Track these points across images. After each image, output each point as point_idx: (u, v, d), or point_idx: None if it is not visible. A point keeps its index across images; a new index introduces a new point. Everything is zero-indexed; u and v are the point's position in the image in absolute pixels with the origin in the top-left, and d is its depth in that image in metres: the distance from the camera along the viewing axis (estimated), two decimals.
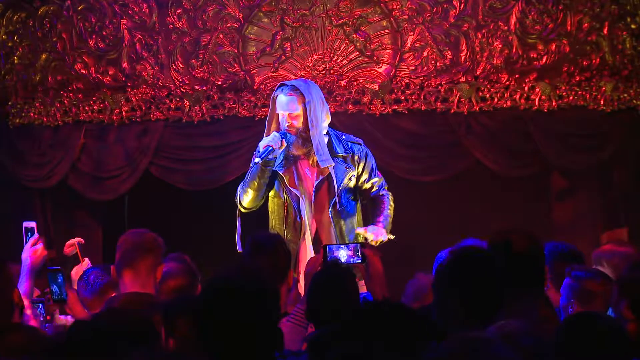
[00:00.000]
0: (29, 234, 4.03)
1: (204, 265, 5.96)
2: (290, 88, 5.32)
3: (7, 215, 7.34)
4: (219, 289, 2.59)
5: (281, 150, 5.24)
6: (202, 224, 7.47)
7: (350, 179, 5.35)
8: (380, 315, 2.89)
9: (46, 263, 4.09)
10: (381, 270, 4.09)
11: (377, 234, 5.25)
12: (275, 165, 5.30)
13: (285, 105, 5.29)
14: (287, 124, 5.27)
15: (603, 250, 4.95)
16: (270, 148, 5.18)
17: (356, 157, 5.41)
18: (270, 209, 5.41)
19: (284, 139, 5.24)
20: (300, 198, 5.30)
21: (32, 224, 4.07)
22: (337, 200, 5.27)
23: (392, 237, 5.34)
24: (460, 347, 2.39)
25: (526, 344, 2.71)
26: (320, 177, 5.32)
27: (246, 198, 5.34)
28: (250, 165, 5.36)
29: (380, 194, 5.48)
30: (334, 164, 5.29)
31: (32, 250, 3.98)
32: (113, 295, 3.96)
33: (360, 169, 5.42)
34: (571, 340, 2.80)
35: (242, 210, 5.38)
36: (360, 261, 4.16)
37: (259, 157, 5.18)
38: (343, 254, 4.17)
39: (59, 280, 3.93)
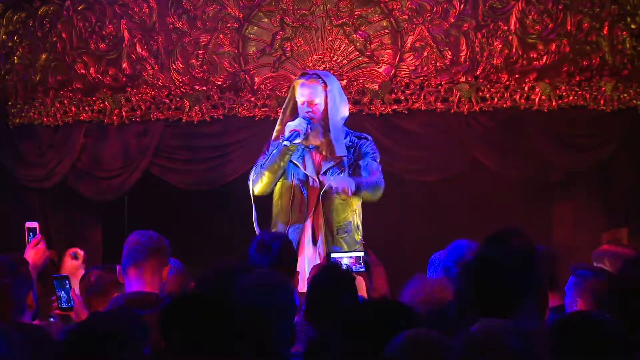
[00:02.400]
0: (31, 234, 4.03)
1: (204, 266, 5.96)
2: (313, 76, 5.36)
3: (7, 215, 7.35)
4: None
5: (305, 136, 5.27)
6: (202, 224, 7.47)
7: (350, 167, 5.35)
8: (380, 314, 2.90)
9: (48, 267, 4.09)
10: (385, 278, 4.11)
11: (341, 184, 5.18)
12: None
13: (307, 92, 5.32)
14: (306, 111, 5.29)
15: (604, 250, 4.96)
16: (296, 133, 5.21)
17: (357, 148, 5.41)
18: (278, 193, 5.42)
19: (308, 125, 5.26)
20: (310, 182, 5.32)
21: (35, 224, 4.07)
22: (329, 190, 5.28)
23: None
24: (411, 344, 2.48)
25: (511, 343, 2.71)
26: (327, 165, 5.32)
27: (261, 182, 5.37)
28: (270, 151, 5.36)
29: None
30: (346, 154, 5.31)
31: (34, 251, 3.99)
32: (116, 294, 3.96)
33: (357, 157, 5.41)
34: (565, 340, 2.79)
35: (255, 194, 5.39)
36: (363, 269, 4.18)
37: (286, 139, 5.21)
38: (346, 262, 4.18)
39: (66, 287, 3.93)
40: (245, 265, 3.52)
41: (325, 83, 5.34)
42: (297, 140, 5.25)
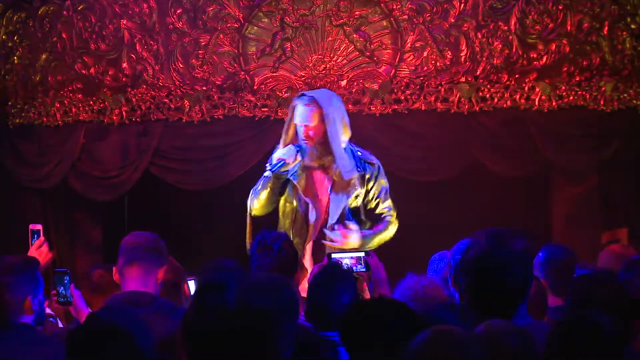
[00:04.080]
0: (35, 236, 4.05)
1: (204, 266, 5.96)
2: (309, 99, 5.28)
3: (7, 215, 7.35)
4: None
5: (295, 164, 5.22)
6: (202, 224, 7.47)
7: (356, 197, 5.32)
8: (377, 313, 2.91)
9: (50, 268, 4.10)
10: (385, 278, 4.12)
11: (344, 237, 5.16)
12: (290, 175, 5.28)
13: (302, 116, 5.25)
14: (303, 135, 5.25)
15: (609, 251, 4.98)
16: (283, 162, 5.15)
17: (367, 176, 5.36)
18: (281, 212, 5.39)
19: (298, 153, 5.20)
20: (310, 207, 5.28)
21: (38, 227, 4.09)
22: (343, 214, 5.25)
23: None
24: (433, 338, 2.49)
25: (512, 343, 2.72)
26: (331, 189, 5.28)
27: (256, 204, 5.32)
28: (263, 175, 5.33)
29: (384, 217, 5.41)
30: (357, 174, 5.26)
31: (38, 252, 4.01)
32: (112, 295, 3.97)
33: (368, 187, 5.37)
34: (564, 341, 2.80)
35: (252, 215, 5.36)
36: (364, 269, 4.19)
37: (270, 170, 5.17)
38: (347, 263, 4.18)
39: (65, 282, 3.94)
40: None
41: (320, 106, 5.24)
42: (284, 170, 5.18)
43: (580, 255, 5.54)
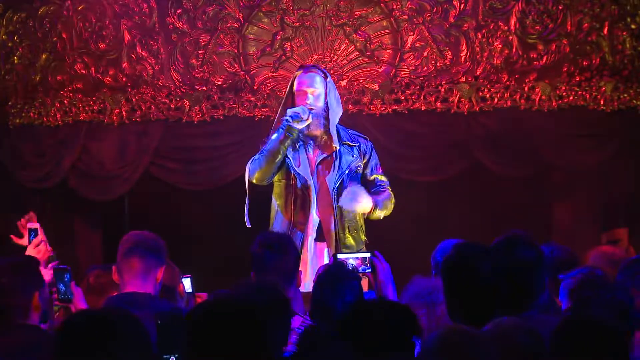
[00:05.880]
0: (32, 234, 4.06)
1: (204, 265, 5.97)
2: (312, 67, 5.41)
3: (7, 215, 7.34)
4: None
5: (307, 123, 5.22)
6: (202, 224, 7.47)
7: (357, 166, 5.35)
8: (376, 314, 2.91)
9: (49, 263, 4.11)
10: (391, 279, 4.12)
11: (356, 198, 5.21)
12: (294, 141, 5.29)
13: (309, 81, 5.29)
14: (308, 102, 5.25)
15: (599, 252, 4.98)
16: (298, 114, 5.17)
17: (362, 148, 5.40)
18: (276, 193, 5.36)
19: (310, 114, 5.22)
20: (307, 179, 5.28)
21: (36, 225, 4.11)
22: (342, 182, 5.26)
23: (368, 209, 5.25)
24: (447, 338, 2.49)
25: (522, 341, 2.73)
26: (322, 158, 5.30)
27: (259, 168, 5.25)
28: (269, 138, 5.30)
29: (384, 189, 5.46)
30: (339, 146, 5.30)
31: (35, 251, 4.02)
32: (110, 295, 3.96)
33: (365, 161, 5.40)
34: (568, 342, 2.80)
35: (253, 181, 5.33)
36: (370, 270, 4.18)
37: (289, 115, 5.15)
38: (352, 263, 4.18)
39: (66, 280, 3.94)
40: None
41: (325, 74, 5.35)
42: (297, 125, 5.17)
43: (581, 256, 5.55)
